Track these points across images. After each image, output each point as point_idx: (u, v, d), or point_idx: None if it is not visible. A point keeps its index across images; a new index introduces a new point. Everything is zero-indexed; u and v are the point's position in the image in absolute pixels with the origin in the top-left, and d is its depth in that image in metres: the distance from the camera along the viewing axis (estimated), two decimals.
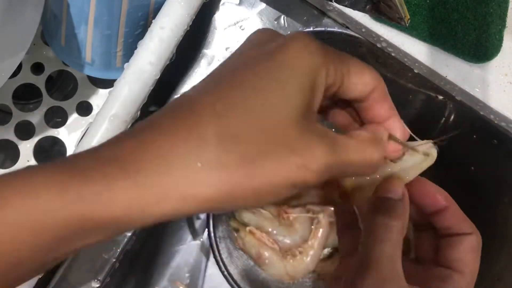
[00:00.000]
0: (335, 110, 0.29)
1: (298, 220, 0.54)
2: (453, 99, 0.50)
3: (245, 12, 0.52)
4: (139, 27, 0.47)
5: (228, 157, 0.21)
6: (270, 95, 0.22)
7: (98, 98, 0.54)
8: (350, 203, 0.32)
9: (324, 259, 0.56)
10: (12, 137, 0.52)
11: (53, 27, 0.48)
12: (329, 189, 0.29)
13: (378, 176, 0.30)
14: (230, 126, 0.22)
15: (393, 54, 0.50)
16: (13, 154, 0.52)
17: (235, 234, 0.55)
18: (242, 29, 0.52)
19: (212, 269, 0.62)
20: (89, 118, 0.53)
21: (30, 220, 0.20)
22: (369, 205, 0.29)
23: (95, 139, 0.40)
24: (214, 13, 0.52)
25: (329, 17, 0.52)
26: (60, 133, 0.53)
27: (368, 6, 0.41)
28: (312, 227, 0.54)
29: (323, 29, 0.51)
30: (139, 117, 0.42)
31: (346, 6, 0.44)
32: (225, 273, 0.53)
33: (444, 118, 0.54)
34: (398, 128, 0.28)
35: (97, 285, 0.43)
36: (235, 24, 0.53)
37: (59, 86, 0.57)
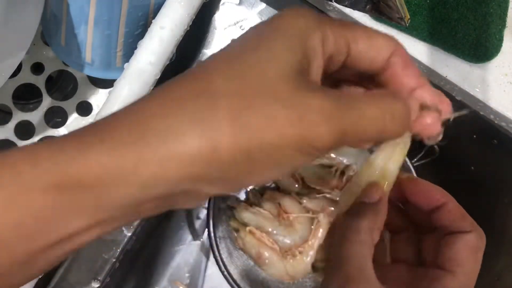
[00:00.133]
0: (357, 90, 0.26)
1: (298, 220, 0.54)
2: (453, 99, 0.50)
3: (245, 12, 0.52)
4: (139, 27, 0.47)
5: (209, 113, 0.19)
6: (259, 54, 0.21)
7: (98, 98, 0.54)
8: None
9: None
10: (12, 137, 0.52)
11: (53, 27, 0.48)
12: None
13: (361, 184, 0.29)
14: (212, 82, 0.20)
15: None
16: None
17: (235, 234, 0.55)
18: (242, 29, 0.52)
19: (212, 269, 0.62)
20: (89, 118, 0.53)
21: (10, 198, 0.19)
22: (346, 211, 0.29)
23: None
24: (214, 13, 0.52)
25: (329, 17, 0.52)
26: (60, 133, 0.53)
27: (368, 6, 0.41)
28: (312, 227, 0.54)
29: None
30: None
31: (346, 6, 0.44)
32: (225, 273, 0.53)
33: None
34: (431, 97, 0.24)
35: (97, 285, 0.43)
36: (235, 24, 0.53)
37: (59, 86, 0.57)
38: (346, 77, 0.26)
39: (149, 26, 0.43)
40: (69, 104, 0.54)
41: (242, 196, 0.60)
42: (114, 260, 0.44)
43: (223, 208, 0.56)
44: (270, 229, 0.54)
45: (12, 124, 0.52)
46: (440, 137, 0.24)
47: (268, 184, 0.60)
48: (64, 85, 0.57)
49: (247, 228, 0.53)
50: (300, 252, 0.53)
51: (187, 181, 0.20)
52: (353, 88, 0.27)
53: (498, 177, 0.54)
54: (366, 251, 0.27)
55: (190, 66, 0.52)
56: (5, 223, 0.19)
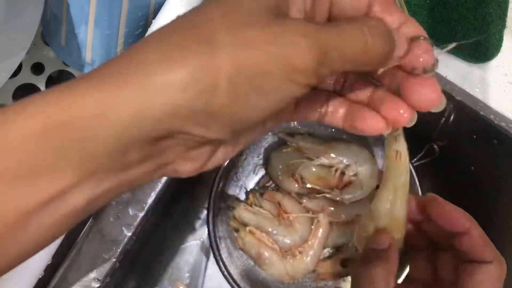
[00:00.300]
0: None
1: (298, 220, 0.54)
2: (453, 99, 0.50)
3: None
4: (139, 27, 0.47)
5: (189, 41, 0.19)
6: None
7: None
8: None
9: (324, 259, 0.56)
10: None
11: (53, 27, 0.48)
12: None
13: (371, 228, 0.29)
14: (202, 11, 0.20)
15: None
16: None
17: (235, 234, 0.55)
18: None
19: (212, 269, 0.62)
20: None
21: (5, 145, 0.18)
22: (359, 258, 0.30)
23: None
24: None
25: None
26: None
27: None
28: (312, 227, 0.54)
29: None
30: None
31: None
32: (225, 273, 0.53)
33: (444, 118, 0.54)
34: (416, 30, 0.23)
35: (97, 285, 0.43)
36: None
37: None
38: (350, 86, 0.26)
39: (149, 26, 0.43)
40: None
41: (242, 196, 0.60)
42: (114, 260, 0.44)
43: (223, 208, 0.56)
44: (270, 229, 0.54)
45: None
46: (436, 67, 0.23)
47: (268, 184, 0.60)
48: None
49: (247, 228, 0.53)
50: (300, 252, 0.53)
51: (171, 118, 0.19)
52: (359, 91, 0.26)
53: (498, 177, 0.54)
54: None
55: None
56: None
